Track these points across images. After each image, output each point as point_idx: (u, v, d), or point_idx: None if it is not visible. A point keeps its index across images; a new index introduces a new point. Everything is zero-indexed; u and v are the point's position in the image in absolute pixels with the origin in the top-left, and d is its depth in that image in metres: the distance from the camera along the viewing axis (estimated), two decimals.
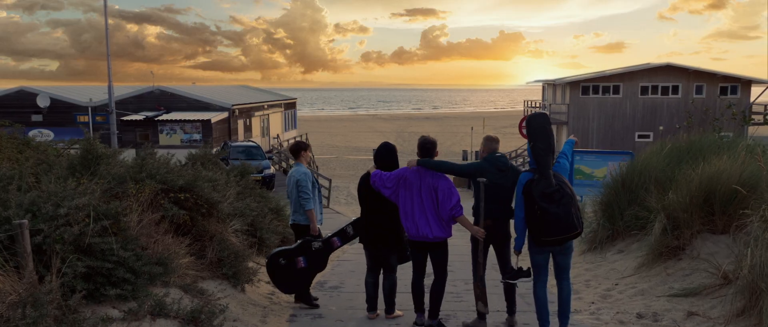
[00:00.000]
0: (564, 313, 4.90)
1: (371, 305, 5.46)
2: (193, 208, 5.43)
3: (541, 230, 4.49)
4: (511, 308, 5.27)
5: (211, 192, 5.41)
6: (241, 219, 6.62)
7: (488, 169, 4.95)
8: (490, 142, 5.17)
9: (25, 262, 3.58)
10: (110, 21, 19.83)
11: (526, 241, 4.82)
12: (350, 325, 5.26)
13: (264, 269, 5.96)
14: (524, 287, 5.65)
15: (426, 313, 5.12)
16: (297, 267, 5.51)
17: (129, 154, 6.17)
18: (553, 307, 5.07)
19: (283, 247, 5.71)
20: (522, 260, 5.14)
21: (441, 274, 5.03)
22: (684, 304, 5.43)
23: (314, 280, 6.02)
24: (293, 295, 5.91)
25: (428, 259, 5.08)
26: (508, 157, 5.45)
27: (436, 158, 5.04)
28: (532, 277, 4.91)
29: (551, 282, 5.10)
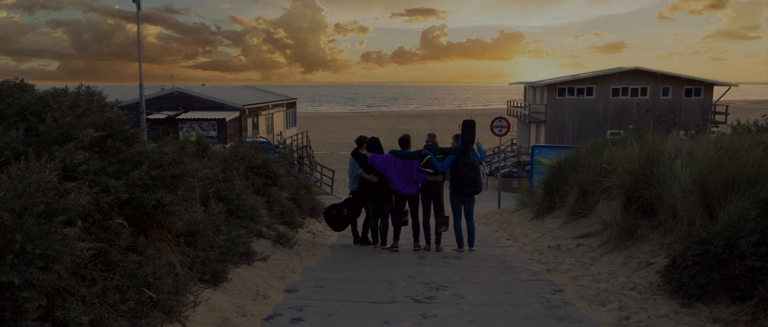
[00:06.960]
0: (471, 237, 8.31)
1: (374, 239, 8.61)
2: (265, 178, 8.51)
3: (460, 184, 7.81)
4: (438, 239, 8.38)
5: (278, 169, 8.50)
6: (288, 190, 9.69)
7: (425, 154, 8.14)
8: (429, 136, 8.39)
9: (196, 202, 6.64)
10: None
11: (448, 199, 8.19)
12: (367, 249, 8.37)
13: (307, 221, 9.04)
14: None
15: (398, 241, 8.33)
16: (342, 214, 8.66)
17: (222, 146, 9.20)
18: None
19: (334, 203, 8.83)
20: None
21: (415, 214, 8.27)
22: (578, 241, 8.56)
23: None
24: (335, 233, 9.05)
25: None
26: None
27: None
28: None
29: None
